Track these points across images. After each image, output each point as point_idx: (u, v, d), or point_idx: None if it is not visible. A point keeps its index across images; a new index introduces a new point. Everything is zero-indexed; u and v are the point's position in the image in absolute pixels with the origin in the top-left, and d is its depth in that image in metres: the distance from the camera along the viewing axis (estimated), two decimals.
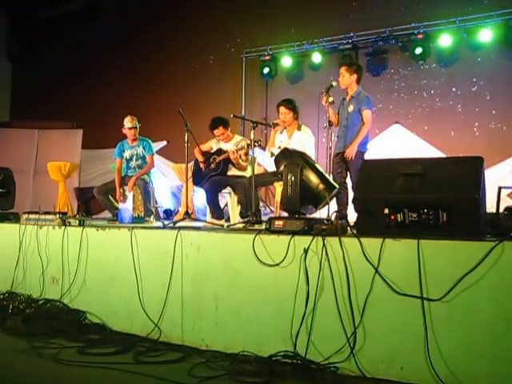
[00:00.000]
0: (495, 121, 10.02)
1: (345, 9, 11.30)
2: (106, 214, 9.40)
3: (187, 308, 4.91)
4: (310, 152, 6.78)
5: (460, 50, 10.26)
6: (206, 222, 7.08)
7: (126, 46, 13.84)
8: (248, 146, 7.16)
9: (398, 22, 10.60)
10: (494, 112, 10.03)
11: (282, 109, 7.38)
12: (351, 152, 6.96)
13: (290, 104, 7.37)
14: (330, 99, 7.03)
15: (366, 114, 7.08)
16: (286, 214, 5.01)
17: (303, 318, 4.18)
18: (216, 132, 7.85)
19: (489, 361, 3.51)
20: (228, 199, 8.13)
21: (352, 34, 11.09)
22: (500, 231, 3.89)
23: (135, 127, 8.46)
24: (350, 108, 7.21)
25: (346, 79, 7.26)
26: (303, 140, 7.19)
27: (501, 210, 4.31)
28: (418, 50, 10.42)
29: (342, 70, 7.30)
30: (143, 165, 8.52)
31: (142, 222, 7.30)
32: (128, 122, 8.44)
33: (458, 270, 3.61)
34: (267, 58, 12.14)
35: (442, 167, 4.16)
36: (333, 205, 6.03)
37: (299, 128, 7.34)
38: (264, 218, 7.02)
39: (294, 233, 4.38)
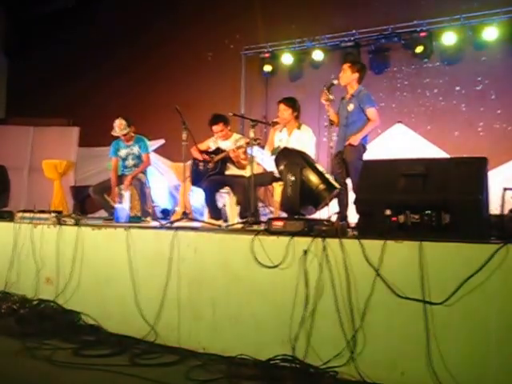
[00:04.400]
0: (500, 121, 9.91)
1: (347, 5, 11.17)
2: (102, 213, 9.30)
3: (184, 310, 4.86)
4: (311, 152, 6.69)
5: (464, 48, 10.15)
6: (203, 222, 7.01)
7: (124, 43, 13.74)
8: (247, 144, 7.09)
9: (401, 20, 10.49)
10: (499, 112, 9.93)
11: (282, 106, 7.30)
12: (355, 140, 6.82)
13: (289, 101, 7.29)
14: (331, 97, 6.93)
15: (371, 112, 6.96)
16: (285, 215, 4.95)
17: (302, 321, 4.14)
18: (215, 128, 7.77)
19: (492, 365, 3.47)
20: (226, 199, 8.06)
21: (354, 32, 10.96)
22: (504, 233, 3.85)
23: (123, 134, 8.30)
24: (350, 107, 7.09)
25: (347, 76, 7.13)
26: (303, 139, 7.10)
27: (505, 211, 4.25)
28: (421, 48, 10.31)
29: (346, 66, 7.19)
30: (139, 164, 8.42)
31: (139, 222, 7.22)
32: (116, 128, 8.26)
33: (460, 273, 3.55)
34: (267, 55, 11.98)
35: (444, 168, 4.11)
36: (333, 205, 5.96)
37: (299, 127, 7.25)
38: (263, 218, 6.94)
39: (293, 234, 4.33)
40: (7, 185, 7.52)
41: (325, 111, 7.11)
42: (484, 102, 10.03)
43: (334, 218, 4.53)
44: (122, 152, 8.46)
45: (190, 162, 7.94)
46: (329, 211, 5.15)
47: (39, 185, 12.46)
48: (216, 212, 7.52)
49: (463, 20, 9.92)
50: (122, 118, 8.28)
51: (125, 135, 8.28)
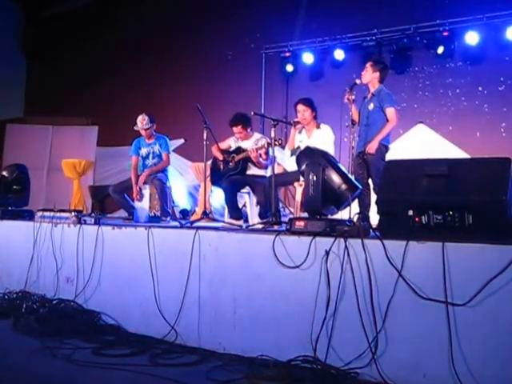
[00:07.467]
0: None
1: (368, 4, 11.09)
2: (121, 213, 9.33)
3: (204, 310, 4.85)
4: (331, 150, 6.65)
5: (487, 48, 10.06)
6: (224, 222, 6.99)
7: (142, 41, 13.79)
8: (268, 144, 7.05)
9: (424, 19, 10.43)
10: None
11: (300, 106, 7.20)
12: (372, 147, 6.80)
13: (308, 101, 7.21)
14: (352, 97, 6.89)
15: (390, 111, 6.91)
16: (306, 215, 4.93)
17: (324, 322, 4.11)
18: (234, 129, 7.71)
19: None
20: (246, 199, 8.01)
21: (376, 31, 10.92)
22: None
23: (145, 129, 8.30)
24: (371, 106, 7.05)
25: (368, 75, 7.12)
26: (323, 137, 7.04)
27: None
28: (444, 48, 10.24)
29: (368, 64, 7.18)
30: (159, 162, 8.38)
31: (159, 222, 7.22)
32: (138, 123, 8.26)
33: (484, 275, 3.51)
34: (288, 54, 11.99)
35: (468, 168, 4.05)
36: (355, 206, 5.93)
37: (318, 126, 7.19)
38: (283, 219, 6.91)
39: (315, 234, 4.30)
40: (27, 184, 7.54)
41: (346, 111, 7.06)
42: (506, 103, 9.93)
43: (355, 219, 4.49)
44: (143, 150, 8.44)
45: (210, 162, 7.91)
46: (351, 211, 5.12)
47: (58, 184, 12.53)
48: (236, 212, 7.46)
49: (486, 20, 9.84)
50: (145, 114, 8.30)
51: (146, 130, 8.26)
